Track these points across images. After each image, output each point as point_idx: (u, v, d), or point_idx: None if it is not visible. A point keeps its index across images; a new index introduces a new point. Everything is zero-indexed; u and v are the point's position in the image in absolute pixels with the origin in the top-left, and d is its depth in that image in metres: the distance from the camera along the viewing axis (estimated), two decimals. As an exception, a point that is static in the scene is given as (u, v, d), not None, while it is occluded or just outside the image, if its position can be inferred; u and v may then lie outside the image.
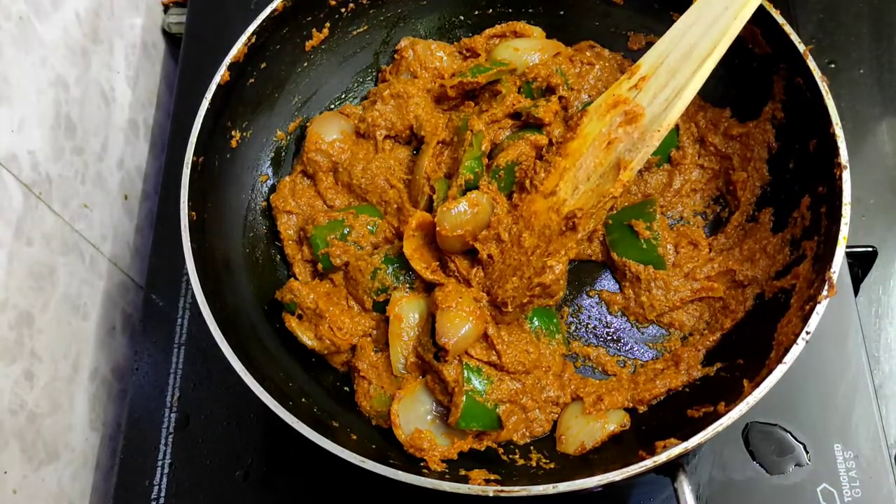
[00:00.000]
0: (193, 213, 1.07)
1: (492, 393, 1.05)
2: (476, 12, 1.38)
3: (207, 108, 1.12)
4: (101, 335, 1.32)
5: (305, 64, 1.31)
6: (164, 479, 1.17)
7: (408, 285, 1.13)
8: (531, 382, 1.08)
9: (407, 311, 1.10)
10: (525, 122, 1.22)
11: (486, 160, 1.18)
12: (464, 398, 1.02)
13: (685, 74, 1.05)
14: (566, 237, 1.08)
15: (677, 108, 1.05)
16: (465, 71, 1.26)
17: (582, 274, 1.22)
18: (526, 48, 1.28)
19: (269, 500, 1.16)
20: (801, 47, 1.08)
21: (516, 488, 0.87)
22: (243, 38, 1.17)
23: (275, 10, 1.19)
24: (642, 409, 1.07)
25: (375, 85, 1.38)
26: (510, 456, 1.06)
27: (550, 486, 0.87)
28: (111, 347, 1.35)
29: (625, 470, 0.87)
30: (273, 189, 1.28)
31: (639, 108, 1.07)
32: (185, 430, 1.21)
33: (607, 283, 1.21)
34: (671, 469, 0.93)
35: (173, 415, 1.22)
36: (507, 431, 1.06)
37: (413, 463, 1.01)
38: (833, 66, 1.44)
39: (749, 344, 1.06)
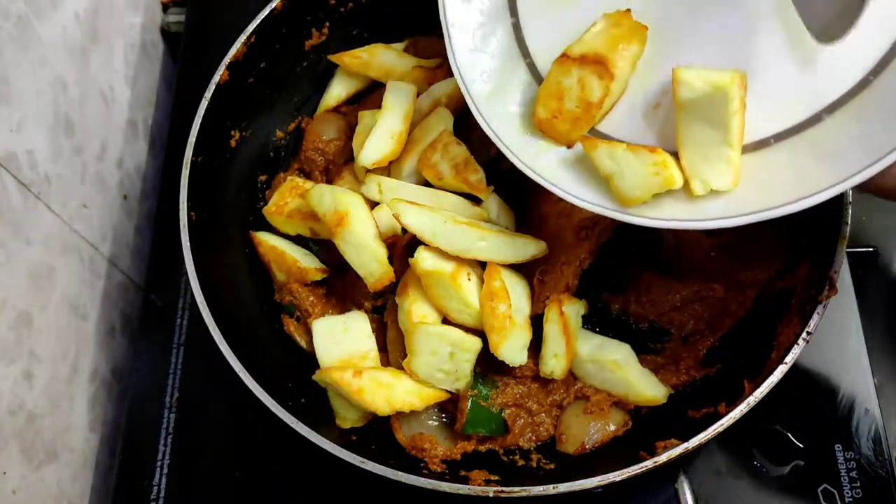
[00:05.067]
0: (193, 212, 1.07)
1: (497, 397, 1.05)
2: (476, 12, 1.38)
3: (207, 108, 1.12)
4: (100, 335, 1.31)
5: (305, 63, 1.31)
6: (164, 480, 1.17)
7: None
8: (537, 386, 1.08)
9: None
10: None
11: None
12: (468, 403, 1.02)
13: None
14: (580, 246, 1.08)
15: None
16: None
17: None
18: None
19: (268, 500, 1.15)
20: (802, 47, 1.07)
21: (516, 489, 0.88)
22: (242, 38, 1.17)
23: (274, 10, 1.19)
24: (643, 409, 1.07)
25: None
26: (510, 457, 1.05)
27: (550, 486, 0.87)
28: (110, 348, 1.34)
29: (625, 470, 0.87)
30: (269, 185, 1.27)
31: None
32: (184, 431, 1.21)
33: (607, 283, 1.20)
34: (672, 469, 0.93)
35: (172, 415, 1.22)
36: (514, 436, 1.05)
37: (413, 464, 1.00)
38: (834, 65, 1.43)
39: (750, 344, 1.05)
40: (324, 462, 0.92)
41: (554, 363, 1.03)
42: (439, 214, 1.03)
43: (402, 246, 1.09)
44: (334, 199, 1.04)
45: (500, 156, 1.15)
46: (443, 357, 0.99)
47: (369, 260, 1.04)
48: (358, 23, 1.34)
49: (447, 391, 1.03)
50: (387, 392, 0.97)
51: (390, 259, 1.11)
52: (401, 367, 1.07)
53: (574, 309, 1.06)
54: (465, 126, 1.17)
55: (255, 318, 1.14)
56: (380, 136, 1.13)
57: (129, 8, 1.52)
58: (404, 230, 1.10)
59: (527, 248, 1.06)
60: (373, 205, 1.11)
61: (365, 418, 1.04)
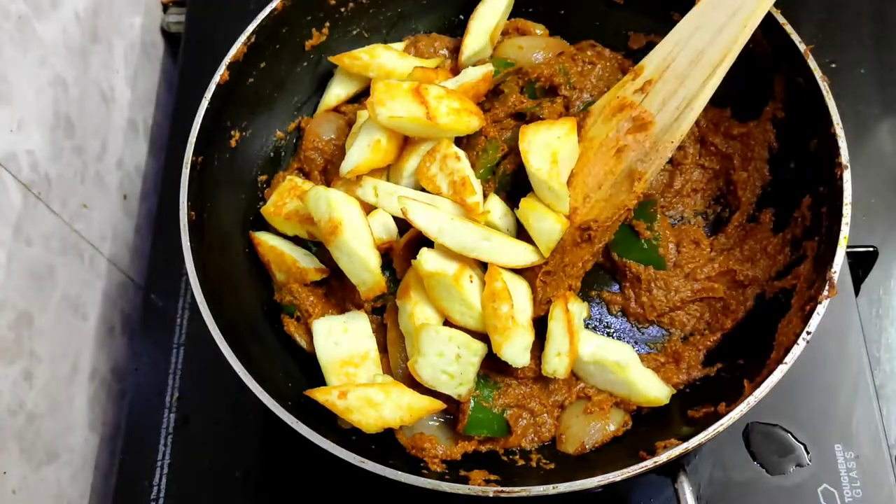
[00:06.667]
0: (193, 212, 1.07)
1: (499, 398, 1.05)
2: (476, 12, 1.38)
3: (207, 108, 1.12)
4: (100, 335, 1.31)
5: (305, 63, 1.31)
6: (164, 480, 1.17)
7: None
8: (539, 387, 1.08)
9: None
10: (528, 122, 1.22)
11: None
12: (471, 403, 1.02)
13: (695, 83, 1.05)
14: (581, 249, 1.08)
15: (689, 119, 1.06)
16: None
17: (582, 274, 1.22)
18: (530, 46, 1.28)
19: (268, 500, 1.15)
20: (802, 47, 1.08)
21: (516, 489, 0.87)
22: (243, 38, 1.17)
23: (274, 10, 1.19)
24: (644, 409, 1.07)
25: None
26: (510, 457, 1.05)
27: (550, 486, 0.87)
28: (110, 347, 1.34)
29: (625, 470, 0.87)
30: (269, 185, 1.27)
31: (648, 116, 1.08)
32: (184, 431, 1.21)
33: (607, 283, 1.20)
34: (672, 469, 0.93)
35: (173, 415, 1.22)
36: (516, 437, 1.05)
37: (413, 463, 1.00)
38: (834, 65, 1.43)
39: (750, 344, 1.05)
40: (324, 462, 0.92)
41: (557, 362, 1.03)
42: (446, 212, 1.03)
43: (402, 247, 1.09)
44: (329, 206, 1.03)
45: (505, 159, 1.16)
46: (449, 359, 0.99)
47: (362, 269, 1.04)
48: (358, 23, 1.34)
49: (445, 399, 1.02)
50: (376, 410, 0.97)
51: (387, 264, 1.12)
52: (401, 369, 1.07)
53: (578, 309, 1.06)
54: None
55: (255, 318, 1.14)
56: (359, 145, 1.12)
57: (129, 8, 1.52)
58: (401, 234, 1.10)
59: (527, 254, 1.06)
60: (368, 208, 1.11)
61: None
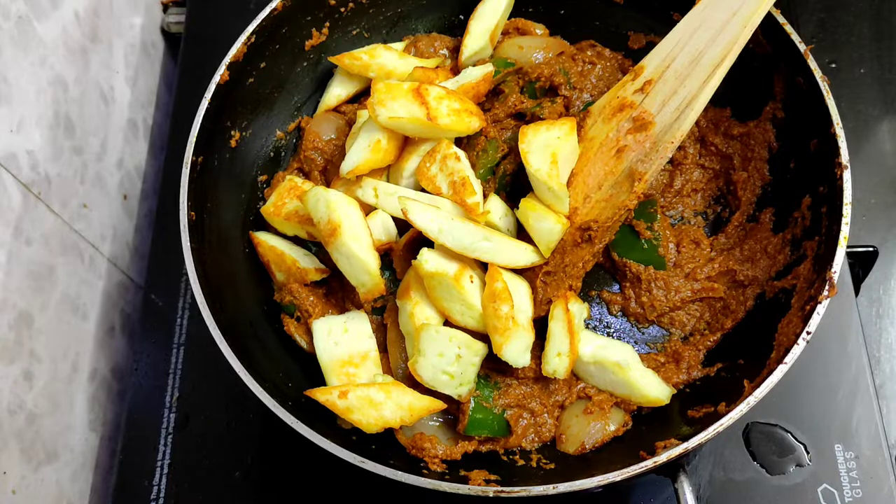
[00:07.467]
0: (193, 212, 1.07)
1: (499, 398, 1.05)
2: (476, 12, 1.38)
3: (207, 108, 1.12)
4: (100, 335, 1.31)
5: (305, 63, 1.31)
6: (164, 480, 1.17)
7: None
8: (539, 387, 1.08)
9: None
10: (528, 122, 1.22)
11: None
12: (472, 404, 1.02)
13: (695, 83, 1.05)
14: (581, 249, 1.08)
15: (690, 119, 1.06)
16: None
17: (582, 274, 1.22)
18: (531, 46, 1.28)
19: (268, 499, 1.15)
20: (802, 47, 1.08)
21: (516, 489, 0.87)
22: (243, 38, 1.17)
23: (274, 10, 1.19)
24: (644, 408, 1.07)
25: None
26: (510, 457, 1.05)
27: (550, 486, 0.87)
28: (110, 347, 1.34)
29: (625, 470, 0.87)
30: (269, 185, 1.27)
31: (648, 116, 1.08)
32: (184, 431, 1.21)
33: (607, 283, 1.20)
34: (671, 469, 0.93)
35: (172, 415, 1.22)
36: (517, 437, 1.05)
37: (413, 463, 1.00)
38: (833, 65, 1.43)
39: (750, 344, 1.05)
40: (324, 462, 0.92)
41: (557, 362, 1.03)
42: (446, 212, 1.03)
43: (402, 247, 1.09)
44: (328, 208, 1.03)
45: (505, 159, 1.16)
46: (449, 359, 0.99)
47: (361, 272, 1.04)
48: (358, 23, 1.34)
49: (445, 399, 1.02)
50: (376, 410, 0.97)
51: (387, 264, 1.12)
52: (401, 369, 1.07)
53: (579, 309, 1.06)
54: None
55: (255, 318, 1.14)
56: (359, 145, 1.12)
57: (129, 8, 1.52)
58: (401, 234, 1.10)
59: (527, 255, 1.06)
60: (368, 209, 1.11)
61: None
